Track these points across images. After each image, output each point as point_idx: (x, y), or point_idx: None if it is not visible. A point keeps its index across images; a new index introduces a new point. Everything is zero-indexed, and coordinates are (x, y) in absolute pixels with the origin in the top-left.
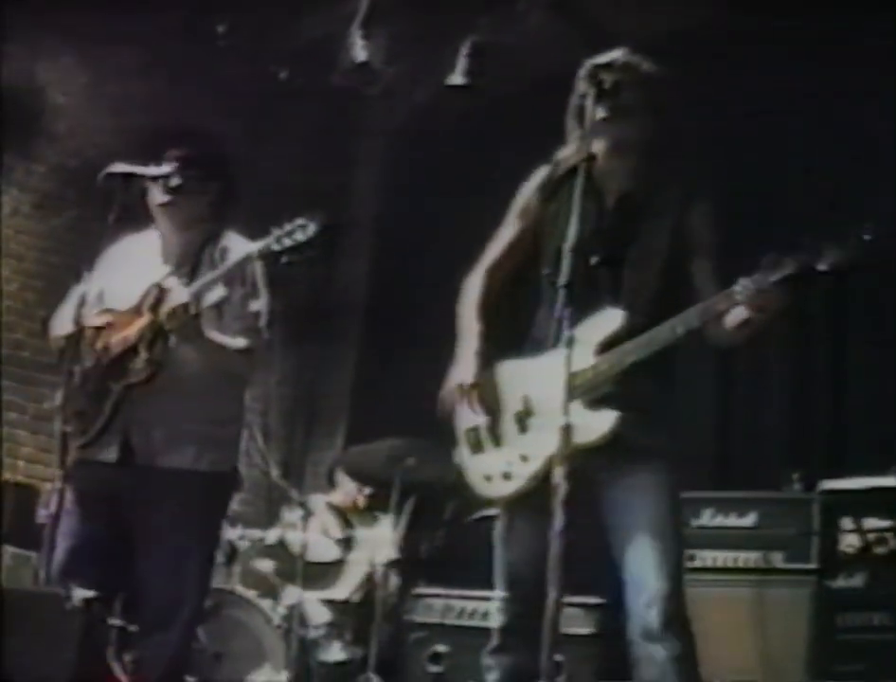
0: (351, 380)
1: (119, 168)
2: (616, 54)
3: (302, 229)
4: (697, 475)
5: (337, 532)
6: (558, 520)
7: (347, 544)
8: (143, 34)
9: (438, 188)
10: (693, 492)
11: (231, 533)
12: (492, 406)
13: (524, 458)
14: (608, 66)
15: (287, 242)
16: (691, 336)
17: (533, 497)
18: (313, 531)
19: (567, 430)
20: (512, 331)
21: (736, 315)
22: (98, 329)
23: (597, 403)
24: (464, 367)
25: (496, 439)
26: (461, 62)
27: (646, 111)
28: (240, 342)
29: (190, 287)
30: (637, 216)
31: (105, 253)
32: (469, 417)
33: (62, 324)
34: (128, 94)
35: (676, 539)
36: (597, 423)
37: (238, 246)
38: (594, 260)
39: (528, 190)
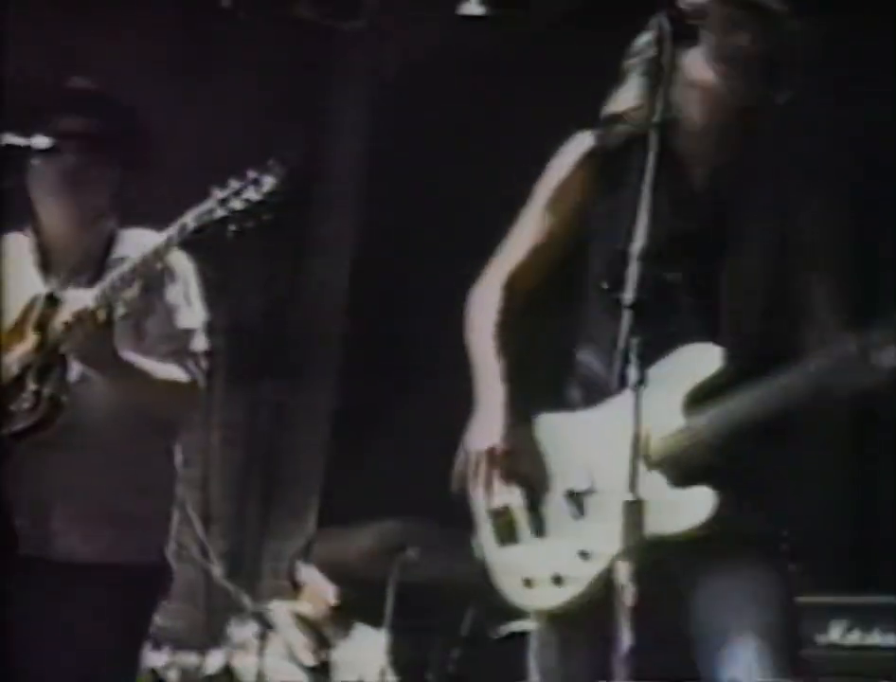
0: (326, 435)
1: None
2: None
3: (255, 185)
4: (825, 576)
5: (308, 656)
6: (625, 638)
7: (322, 671)
8: None
9: (442, 163)
10: (819, 596)
11: (155, 659)
12: (530, 480)
13: (583, 555)
14: None
15: (235, 205)
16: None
17: (590, 607)
18: (273, 655)
19: (638, 509)
20: (547, 367)
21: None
22: None
23: (687, 478)
24: (488, 424)
25: (539, 527)
26: None
27: (769, 64)
28: (172, 371)
29: (95, 288)
30: (737, 211)
31: None
32: (496, 494)
33: None
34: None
35: (790, 650)
36: (689, 507)
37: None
38: (672, 274)
39: (563, 167)
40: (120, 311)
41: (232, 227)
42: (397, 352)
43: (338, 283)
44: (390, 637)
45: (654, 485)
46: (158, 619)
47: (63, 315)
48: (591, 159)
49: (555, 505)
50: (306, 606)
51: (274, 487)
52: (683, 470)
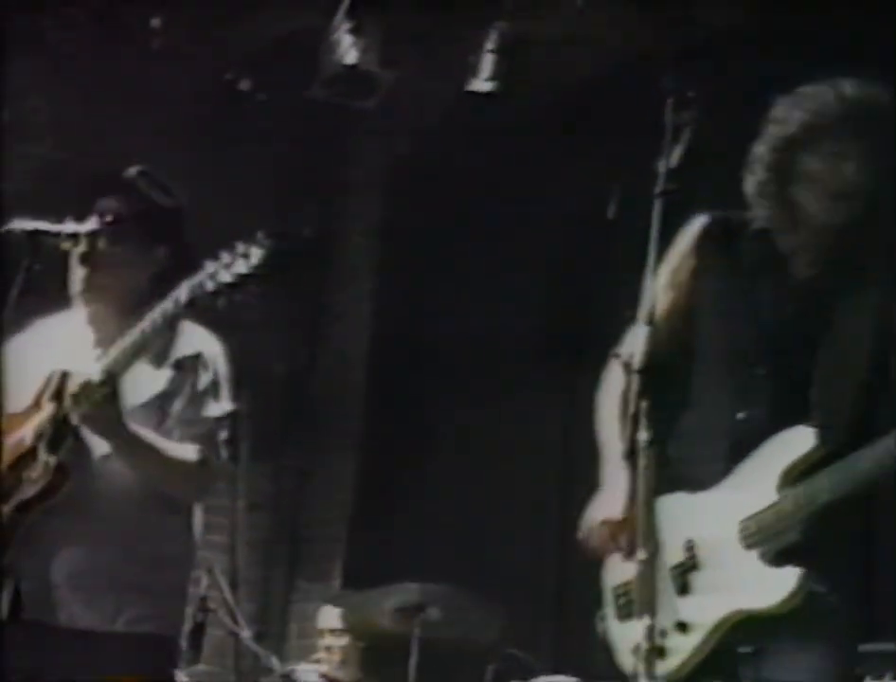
0: (349, 500)
1: (22, 224)
2: (855, 88)
3: (244, 258)
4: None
5: None
6: None
7: None
8: (45, 35)
9: (454, 232)
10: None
11: None
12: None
13: (682, 628)
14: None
15: (224, 278)
16: None
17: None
18: None
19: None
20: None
21: None
22: None
23: (780, 556)
24: (612, 498)
25: None
26: (485, 61)
27: (875, 167)
28: (187, 451)
29: (102, 360)
30: (831, 308)
31: (9, 342)
32: (618, 570)
33: None
34: (28, 116)
35: None
36: (777, 583)
37: (198, 341)
38: (759, 370)
39: (681, 248)
40: (144, 396)
41: (221, 301)
42: (418, 417)
43: (357, 350)
44: None
45: (748, 563)
46: None
47: (71, 387)
48: (708, 242)
49: (663, 581)
50: (331, 665)
51: (299, 551)
52: (774, 548)
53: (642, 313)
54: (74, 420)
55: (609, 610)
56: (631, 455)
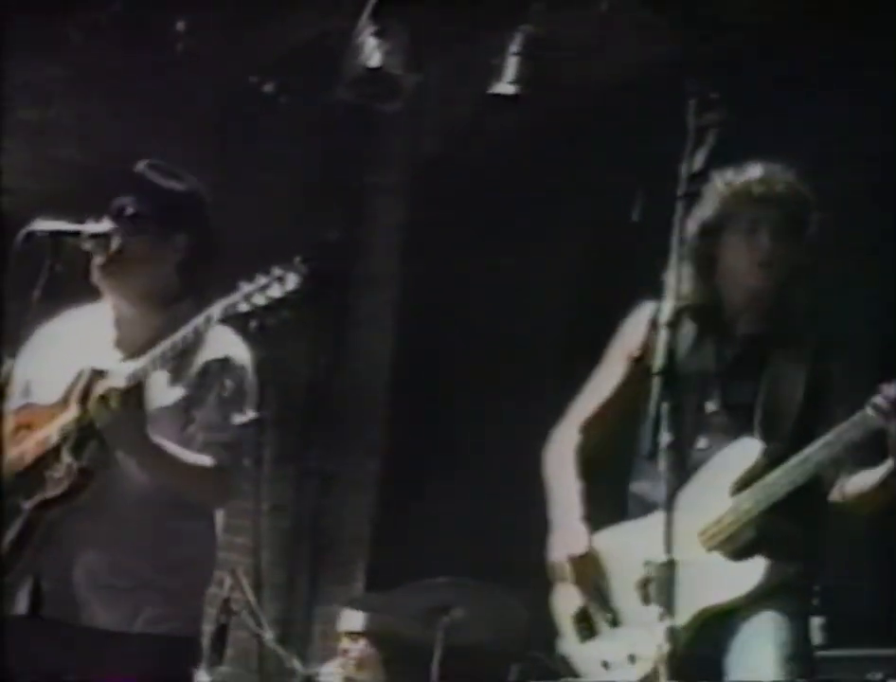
0: (372, 502)
1: (44, 225)
2: (758, 171)
3: (279, 282)
4: (859, 629)
5: None
6: None
7: None
8: (71, 38)
9: (479, 237)
10: (854, 649)
11: None
12: (601, 583)
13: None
14: (755, 193)
15: (259, 301)
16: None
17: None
18: None
19: (670, 569)
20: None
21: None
22: (17, 431)
23: (741, 552)
24: (572, 535)
25: (613, 620)
26: (510, 64)
27: (792, 246)
28: (204, 459)
29: (129, 366)
30: (769, 353)
31: (33, 335)
32: (573, 600)
33: None
34: (53, 120)
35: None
36: (744, 575)
37: (226, 346)
38: (711, 406)
39: (631, 333)
40: (169, 399)
41: (254, 323)
42: (439, 420)
43: (381, 355)
44: None
45: (714, 563)
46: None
47: (98, 390)
48: (652, 328)
49: (626, 599)
50: (350, 668)
51: (322, 553)
52: (737, 546)
53: (663, 315)
54: (98, 425)
55: (568, 637)
56: (652, 457)
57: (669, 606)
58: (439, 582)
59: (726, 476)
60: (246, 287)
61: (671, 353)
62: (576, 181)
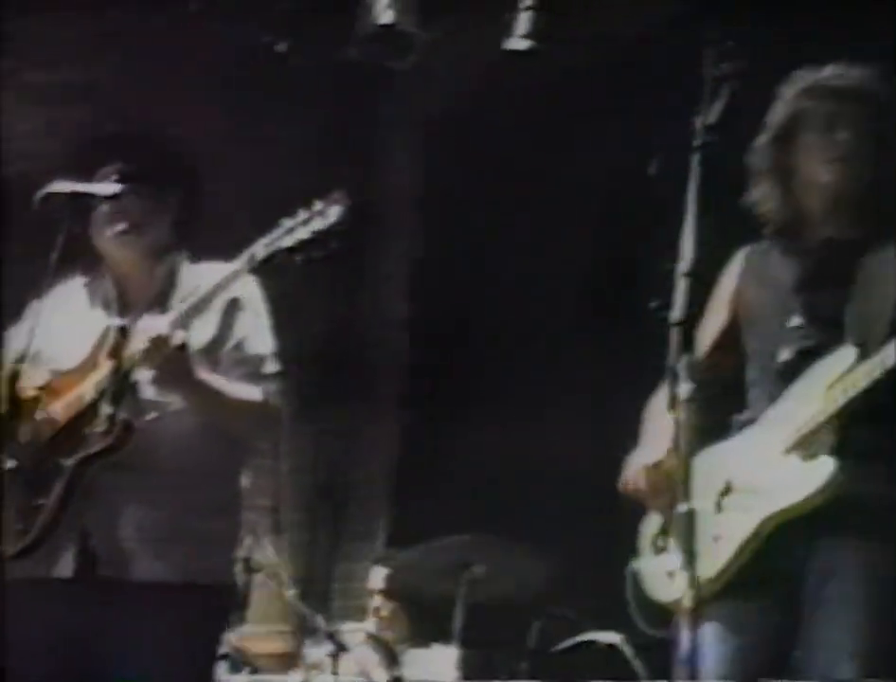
0: (392, 458)
1: (62, 186)
2: (832, 71)
3: (321, 216)
4: None
5: (381, 673)
6: (685, 640)
7: None
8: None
9: (491, 193)
10: None
11: (236, 680)
12: (684, 498)
13: (715, 539)
14: (830, 90)
15: (302, 235)
16: None
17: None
18: (347, 674)
19: (690, 519)
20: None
21: None
22: (36, 398)
23: (814, 455)
24: (652, 447)
25: None
26: (522, 19)
27: (873, 148)
28: (247, 390)
29: (167, 315)
30: (854, 257)
31: (39, 302)
32: (655, 521)
33: None
34: (62, 82)
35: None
36: (810, 476)
37: (237, 286)
38: (795, 320)
39: (729, 279)
40: (197, 343)
41: (299, 257)
42: (458, 376)
43: (398, 311)
44: (460, 652)
45: (788, 466)
46: (236, 642)
47: (140, 341)
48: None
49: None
50: (380, 625)
51: (343, 510)
52: (813, 448)
53: (682, 265)
54: (135, 376)
55: (646, 555)
56: (672, 408)
57: (690, 557)
58: (461, 538)
59: (820, 381)
60: (288, 222)
61: (690, 304)
62: (591, 136)
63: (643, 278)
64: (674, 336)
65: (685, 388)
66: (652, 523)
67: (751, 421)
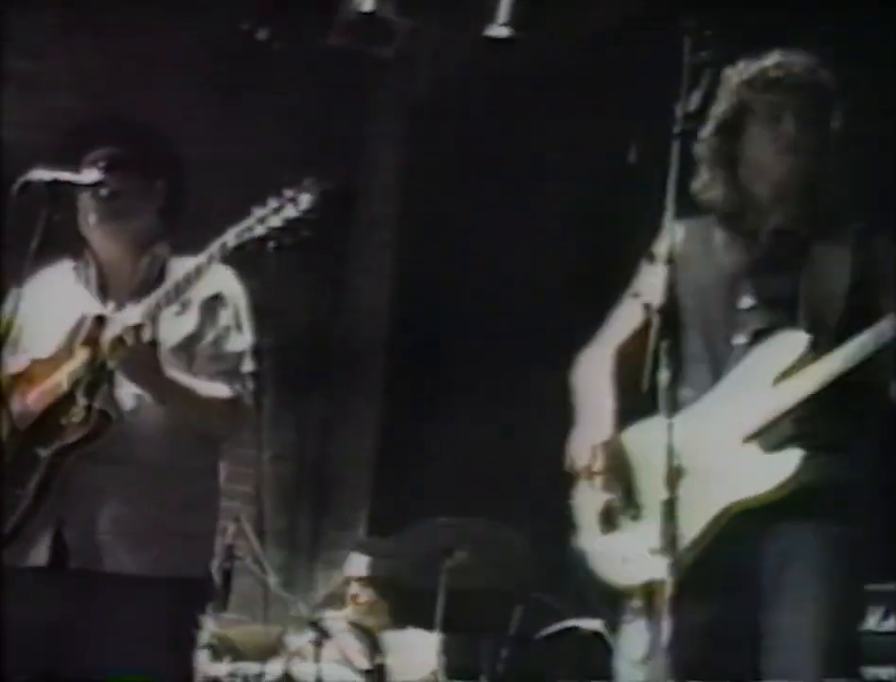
0: (373, 447)
1: (41, 174)
2: (775, 58)
3: (293, 203)
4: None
5: (363, 660)
6: (666, 628)
7: (377, 674)
8: None
9: (474, 181)
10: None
11: (217, 669)
12: (627, 476)
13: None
14: (773, 77)
15: (274, 223)
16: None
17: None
18: (329, 661)
19: (672, 507)
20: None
21: None
22: (16, 387)
23: (777, 445)
24: (596, 425)
25: (636, 514)
26: (502, 7)
27: (818, 133)
28: (219, 389)
29: (140, 305)
30: (808, 244)
31: (21, 289)
32: (598, 495)
33: None
34: (47, 70)
35: (849, 616)
36: (776, 467)
37: (218, 281)
38: (747, 301)
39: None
40: (174, 338)
41: (271, 245)
42: (439, 363)
43: (380, 300)
44: (441, 639)
45: (747, 455)
46: (217, 631)
47: (113, 331)
48: (689, 241)
49: (651, 493)
50: (359, 612)
51: (324, 499)
52: (773, 439)
53: (661, 252)
54: (112, 365)
55: (587, 532)
56: (650, 392)
57: (671, 543)
58: (440, 522)
59: (769, 368)
60: (259, 211)
61: (670, 290)
62: (571, 123)
63: (624, 265)
64: (655, 323)
65: (666, 375)
66: (594, 499)
67: (691, 400)
